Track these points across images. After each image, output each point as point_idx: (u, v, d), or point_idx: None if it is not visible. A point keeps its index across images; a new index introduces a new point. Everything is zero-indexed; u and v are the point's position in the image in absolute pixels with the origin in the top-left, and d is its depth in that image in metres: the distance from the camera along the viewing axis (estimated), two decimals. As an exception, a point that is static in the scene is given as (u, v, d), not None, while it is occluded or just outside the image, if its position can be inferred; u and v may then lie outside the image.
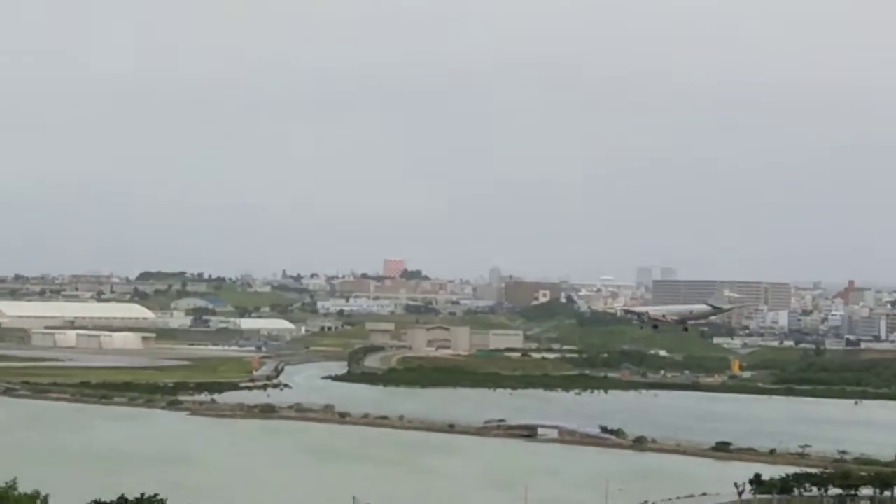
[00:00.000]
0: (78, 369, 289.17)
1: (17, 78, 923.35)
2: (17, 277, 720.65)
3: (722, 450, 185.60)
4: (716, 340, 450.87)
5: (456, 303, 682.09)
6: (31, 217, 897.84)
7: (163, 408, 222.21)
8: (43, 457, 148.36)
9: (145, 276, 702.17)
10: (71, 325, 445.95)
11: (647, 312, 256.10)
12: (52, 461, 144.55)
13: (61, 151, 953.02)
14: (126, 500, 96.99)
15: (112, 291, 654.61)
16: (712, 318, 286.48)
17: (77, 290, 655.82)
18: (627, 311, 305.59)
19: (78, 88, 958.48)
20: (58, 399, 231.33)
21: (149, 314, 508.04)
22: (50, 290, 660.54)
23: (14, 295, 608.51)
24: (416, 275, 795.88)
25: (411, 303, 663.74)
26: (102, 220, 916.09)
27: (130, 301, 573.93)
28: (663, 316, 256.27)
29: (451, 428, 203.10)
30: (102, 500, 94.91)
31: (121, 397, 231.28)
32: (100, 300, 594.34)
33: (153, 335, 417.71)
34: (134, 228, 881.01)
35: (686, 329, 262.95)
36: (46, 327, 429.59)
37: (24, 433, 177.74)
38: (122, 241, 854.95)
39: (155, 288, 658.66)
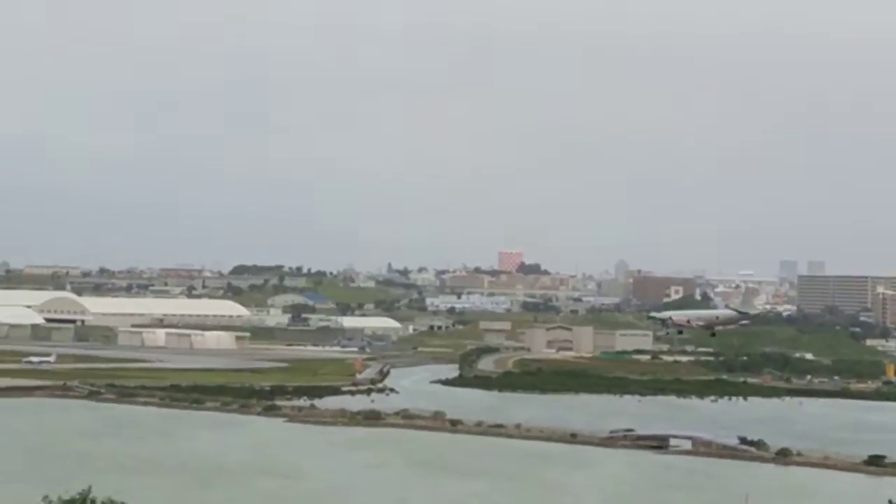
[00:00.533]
0: (167, 371, 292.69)
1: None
2: (103, 271, 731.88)
3: (875, 464, 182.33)
4: (868, 342, 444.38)
5: (578, 300, 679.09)
6: (117, 209, 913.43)
7: (258, 413, 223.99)
8: (127, 466, 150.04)
9: (239, 271, 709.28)
10: (160, 323, 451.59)
11: (671, 318, 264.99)
12: (136, 471, 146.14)
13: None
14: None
15: (204, 287, 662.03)
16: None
17: (166, 285, 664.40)
18: (650, 317, 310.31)
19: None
20: (145, 403, 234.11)
21: (243, 311, 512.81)
22: (137, 285, 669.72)
23: (99, 290, 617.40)
24: (534, 269, 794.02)
25: (529, 299, 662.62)
26: (193, 210, 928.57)
27: (223, 297, 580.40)
28: (688, 321, 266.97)
29: (573, 438, 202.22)
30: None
31: (213, 402, 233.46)
32: (190, 296, 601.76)
33: (248, 334, 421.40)
34: (226, 219, 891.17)
35: (713, 335, 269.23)
36: (133, 325, 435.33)
37: (108, 440, 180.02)
38: (213, 232, 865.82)
39: (250, 283, 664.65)
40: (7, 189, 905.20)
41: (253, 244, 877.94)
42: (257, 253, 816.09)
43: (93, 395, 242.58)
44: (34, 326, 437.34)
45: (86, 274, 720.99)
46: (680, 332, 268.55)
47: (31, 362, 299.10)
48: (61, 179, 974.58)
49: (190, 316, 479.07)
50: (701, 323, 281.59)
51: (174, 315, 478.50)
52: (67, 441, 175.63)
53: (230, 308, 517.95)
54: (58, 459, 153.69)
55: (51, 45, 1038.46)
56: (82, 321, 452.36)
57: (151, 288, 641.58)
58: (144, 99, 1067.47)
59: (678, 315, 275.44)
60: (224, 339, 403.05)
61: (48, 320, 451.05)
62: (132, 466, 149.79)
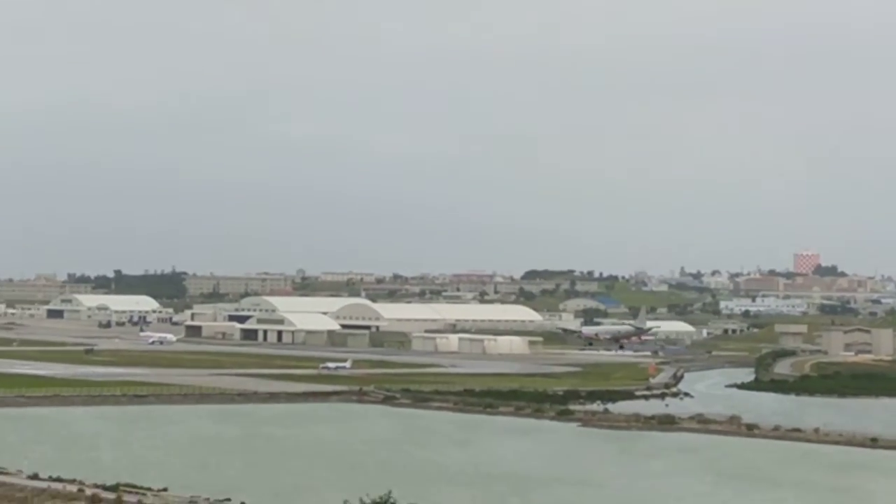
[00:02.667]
0: (460, 376, 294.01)
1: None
2: (396, 277, 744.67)
3: None
4: None
5: (877, 301, 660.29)
6: (410, 216, 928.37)
7: (551, 418, 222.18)
8: (426, 473, 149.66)
9: (531, 275, 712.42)
10: (452, 328, 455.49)
11: (580, 331, 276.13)
12: (435, 478, 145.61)
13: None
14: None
15: (496, 292, 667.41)
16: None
17: (458, 290, 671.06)
18: (564, 330, 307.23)
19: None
20: (439, 408, 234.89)
21: (536, 316, 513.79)
22: (430, 290, 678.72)
23: (393, 296, 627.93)
24: (831, 271, 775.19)
25: (826, 302, 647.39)
26: (483, 215, 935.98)
27: (515, 302, 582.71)
28: (596, 335, 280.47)
29: (873, 443, 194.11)
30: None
31: (506, 406, 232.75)
32: (482, 301, 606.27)
33: (540, 339, 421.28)
34: (518, 223, 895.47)
35: (622, 347, 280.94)
36: (427, 331, 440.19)
37: (405, 446, 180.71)
38: (506, 237, 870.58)
39: (542, 288, 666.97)
40: (302, 195, 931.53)
41: (543, 249, 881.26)
42: (548, 258, 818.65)
43: (388, 400, 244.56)
44: (330, 333, 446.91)
45: (380, 280, 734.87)
46: (590, 344, 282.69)
47: (327, 368, 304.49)
48: (353, 185, 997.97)
49: (482, 321, 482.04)
50: (608, 336, 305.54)
51: (466, 320, 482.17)
52: (365, 447, 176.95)
53: (522, 313, 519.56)
54: (357, 466, 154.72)
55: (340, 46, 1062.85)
56: (377, 327, 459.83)
57: (444, 293, 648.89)
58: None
59: (588, 330, 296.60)
60: (517, 344, 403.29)
61: (344, 326, 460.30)
62: (431, 473, 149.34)
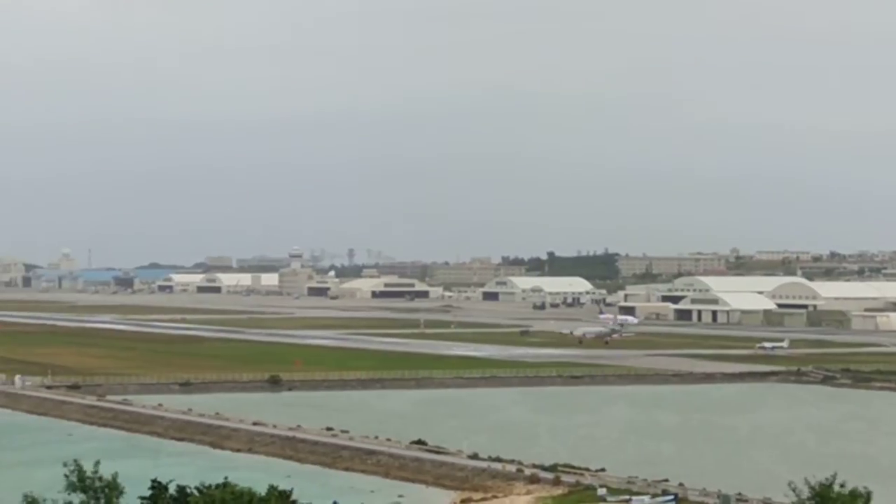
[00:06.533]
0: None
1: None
2: (833, 255, 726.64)
3: None
4: None
5: None
6: (845, 194, 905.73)
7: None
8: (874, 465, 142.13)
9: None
10: (894, 307, 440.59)
11: (571, 332, 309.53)
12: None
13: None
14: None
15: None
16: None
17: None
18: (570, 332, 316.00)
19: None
20: (881, 388, 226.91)
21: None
22: (869, 268, 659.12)
23: (830, 275, 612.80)
24: None
25: None
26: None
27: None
28: (584, 334, 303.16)
29: None
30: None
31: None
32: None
33: None
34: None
35: (607, 343, 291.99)
36: (866, 309, 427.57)
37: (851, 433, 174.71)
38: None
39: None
40: (747, 180, 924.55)
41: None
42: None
43: (827, 381, 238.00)
44: (766, 312, 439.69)
45: (816, 259, 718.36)
46: (580, 342, 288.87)
47: (763, 348, 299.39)
48: (799, 169, 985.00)
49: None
50: (592, 335, 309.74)
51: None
52: (810, 434, 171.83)
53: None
54: (798, 453, 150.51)
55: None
56: (814, 306, 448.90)
57: (884, 271, 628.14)
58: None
59: (579, 331, 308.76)
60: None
61: (780, 306, 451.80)
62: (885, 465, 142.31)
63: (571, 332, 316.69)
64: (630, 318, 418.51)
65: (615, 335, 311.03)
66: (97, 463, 71.55)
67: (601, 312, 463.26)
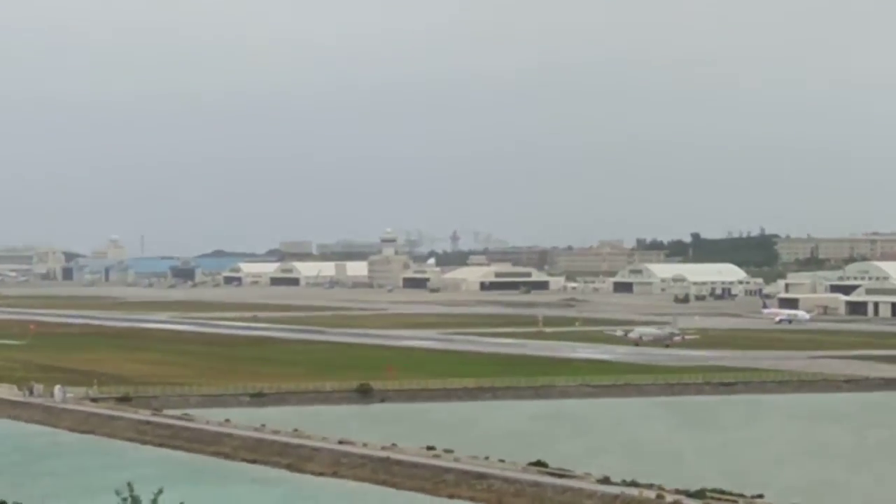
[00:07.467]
0: None
1: None
2: None
3: None
4: None
5: None
6: None
7: None
8: None
9: None
10: None
11: (625, 334, 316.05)
12: None
13: None
14: None
15: None
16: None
17: None
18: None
19: None
20: None
21: None
22: None
23: None
24: None
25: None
26: None
27: None
28: (640, 336, 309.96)
29: None
30: None
31: None
32: None
33: None
34: None
35: (668, 346, 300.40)
36: None
37: None
38: None
39: None
40: None
41: None
42: None
43: None
44: None
45: None
46: (636, 345, 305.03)
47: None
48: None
49: None
50: (650, 338, 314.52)
51: None
52: None
53: None
54: None
55: None
56: None
57: None
58: None
59: (634, 333, 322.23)
60: None
61: None
62: None
63: (626, 335, 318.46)
64: (801, 314, 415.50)
65: (676, 338, 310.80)
66: (159, 492, 72.24)
67: (764, 306, 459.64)
